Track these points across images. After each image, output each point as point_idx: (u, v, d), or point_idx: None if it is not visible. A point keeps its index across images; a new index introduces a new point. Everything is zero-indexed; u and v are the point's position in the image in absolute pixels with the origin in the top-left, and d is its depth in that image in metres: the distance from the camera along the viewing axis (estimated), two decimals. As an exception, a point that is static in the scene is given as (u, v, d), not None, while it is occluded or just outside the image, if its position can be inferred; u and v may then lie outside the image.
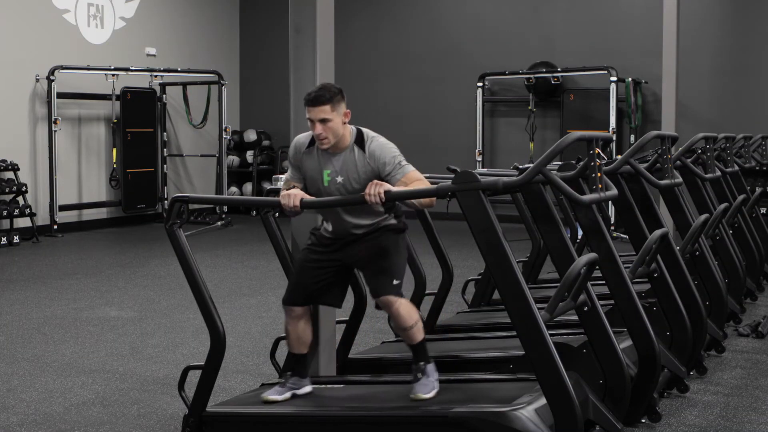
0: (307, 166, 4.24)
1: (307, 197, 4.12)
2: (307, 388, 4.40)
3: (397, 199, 3.94)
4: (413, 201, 4.04)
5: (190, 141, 14.42)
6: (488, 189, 3.76)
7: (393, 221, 4.24)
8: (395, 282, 4.17)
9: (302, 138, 4.30)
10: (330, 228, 4.28)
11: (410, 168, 4.12)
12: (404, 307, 4.19)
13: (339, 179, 4.13)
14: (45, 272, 9.45)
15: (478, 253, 3.88)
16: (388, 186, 3.89)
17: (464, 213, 3.77)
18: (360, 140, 4.15)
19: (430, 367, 4.24)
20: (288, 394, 4.33)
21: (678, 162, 6.29)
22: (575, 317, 4.28)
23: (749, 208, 8.08)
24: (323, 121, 4.06)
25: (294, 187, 4.24)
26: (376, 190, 3.85)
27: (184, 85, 13.84)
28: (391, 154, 4.10)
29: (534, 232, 6.75)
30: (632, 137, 12.57)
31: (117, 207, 13.25)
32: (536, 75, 13.22)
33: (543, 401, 3.70)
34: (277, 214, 4.65)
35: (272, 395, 4.32)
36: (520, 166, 5.44)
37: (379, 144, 4.14)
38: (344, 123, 4.13)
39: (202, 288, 4.15)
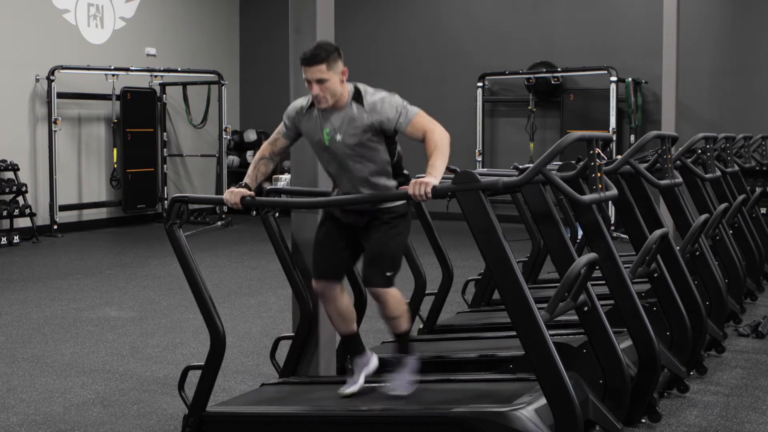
0: (307, 128, 4.21)
1: (249, 196, 4.16)
2: (374, 361, 4.38)
3: (443, 191, 3.81)
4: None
5: (190, 141, 14.42)
6: (488, 189, 3.76)
7: (402, 201, 4.16)
8: (387, 274, 4.12)
9: (299, 101, 4.25)
10: (340, 191, 4.24)
11: (414, 111, 4.03)
12: (392, 297, 4.15)
13: (338, 137, 4.08)
14: (45, 272, 9.46)
15: (478, 253, 3.88)
16: (432, 180, 3.77)
17: (464, 213, 3.76)
18: (358, 96, 4.08)
19: (411, 360, 4.22)
20: (361, 379, 4.30)
21: (678, 162, 6.29)
22: (575, 317, 4.28)
23: (749, 208, 8.08)
24: (320, 81, 4.00)
25: (278, 140, 4.29)
26: (421, 189, 3.76)
27: (184, 85, 13.84)
28: (393, 106, 4.03)
29: (534, 232, 6.76)
30: (632, 137, 12.57)
31: (117, 207, 13.25)
32: (536, 75, 13.22)
33: (543, 401, 3.70)
34: (277, 214, 4.66)
35: (348, 389, 4.27)
36: (520, 166, 5.44)
37: (379, 97, 4.07)
38: (342, 81, 4.07)
39: (202, 288, 4.15)
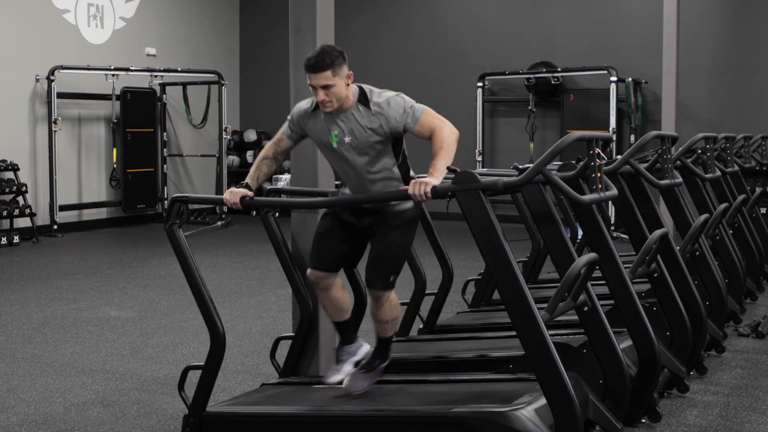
0: (313, 130, 4.20)
1: (248, 196, 4.16)
2: (365, 348, 4.41)
3: (443, 191, 3.80)
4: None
5: (190, 141, 14.42)
6: (488, 189, 3.76)
7: (410, 204, 4.14)
8: (390, 278, 4.16)
9: (304, 104, 4.23)
10: (347, 190, 4.25)
11: (421, 110, 4.01)
12: (390, 301, 4.21)
13: (347, 139, 4.08)
14: (45, 272, 9.45)
15: (478, 253, 3.88)
16: (432, 181, 3.77)
17: (464, 213, 3.76)
18: (363, 98, 4.06)
19: (381, 369, 4.29)
20: (348, 367, 4.33)
21: (678, 162, 6.29)
22: (575, 317, 4.28)
23: (749, 208, 8.08)
24: (325, 87, 3.98)
25: (283, 140, 4.28)
26: (421, 189, 3.76)
27: (184, 85, 13.84)
28: (399, 107, 4.01)
29: (534, 232, 6.76)
30: (632, 137, 12.57)
31: (117, 207, 13.25)
32: (536, 75, 13.22)
33: (543, 401, 3.70)
34: (277, 214, 4.66)
35: (334, 377, 4.32)
36: (520, 166, 5.44)
37: (385, 99, 4.04)
38: (348, 85, 4.04)
39: (202, 288, 4.15)
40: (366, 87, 4.13)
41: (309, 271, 4.34)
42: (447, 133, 3.94)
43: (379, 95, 4.08)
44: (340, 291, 4.37)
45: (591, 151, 4.03)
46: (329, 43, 4.39)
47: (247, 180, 4.26)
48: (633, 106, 12.55)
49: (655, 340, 4.47)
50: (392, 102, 4.04)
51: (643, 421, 4.55)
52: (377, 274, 4.15)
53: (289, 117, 4.29)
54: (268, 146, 4.34)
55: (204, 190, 14.39)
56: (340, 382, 4.32)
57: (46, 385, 5.40)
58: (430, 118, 4.00)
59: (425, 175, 3.86)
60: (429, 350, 5.30)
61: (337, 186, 4.62)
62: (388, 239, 4.15)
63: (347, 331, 4.44)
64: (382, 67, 14.56)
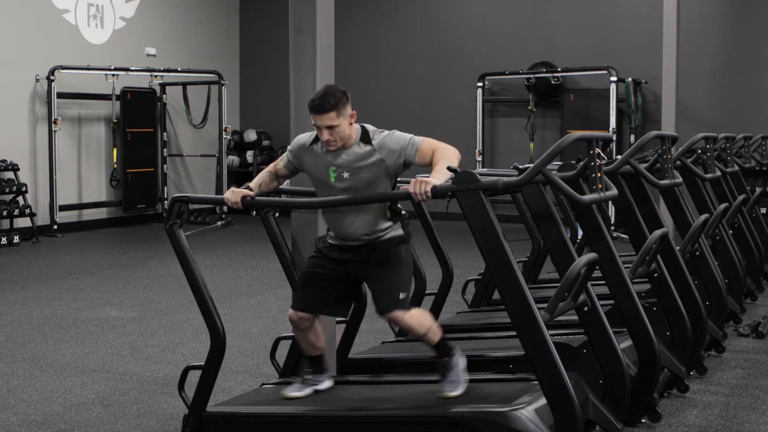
0: (312, 166, 4.22)
1: (251, 195, 4.19)
2: (327, 383, 4.40)
3: (443, 191, 3.82)
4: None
5: (190, 141, 14.42)
6: (488, 189, 3.76)
7: (399, 232, 4.18)
8: (401, 296, 4.11)
9: (304, 138, 4.26)
10: (334, 234, 4.24)
11: (419, 141, 4.06)
12: (413, 318, 4.13)
13: (346, 175, 4.10)
14: (45, 272, 9.45)
15: (478, 253, 3.88)
16: (433, 180, 3.79)
17: (464, 213, 3.76)
18: (365, 136, 4.11)
19: (455, 360, 4.16)
20: (309, 390, 4.33)
21: (678, 162, 6.30)
22: (575, 317, 4.28)
23: (749, 208, 8.08)
24: (330, 127, 4.03)
25: (280, 167, 4.31)
26: (422, 188, 3.77)
27: (184, 85, 13.84)
28: (401, 139, 4.07)
29: (534, 232, 6.76)
30: (632, 137, 12.57)
31: (117, 207, 13.26)
32: (536, 75, 13.22)
33: (543, 401, 3.70)
34: (277, 214, 4.66)
35: (292, 392, 4.31)
36: (520, 166, 5.43)
37: (385, 135, 4.10)
38: (351, 124, 4.09)
39: (202, 288, 4.15)
40: (368, 126, 4.17)
41: (291, 311, 4.32)
42: (449, 150, 4.02)
43: (380, 132, 4.13)
44: (317, 331, 4.36)
45: (591, 151, 4.04)
46: (332, 83, 4.39)
47: (250, 183, 4.31)
48: (633, 106, 12.55)
49: (655, 340, 4.47)
50: (391, 137, 4.09)
51: (643, 421, 4.55)
52: (385, 298, 4.10)
53: (288, 149, 4.32)
54: (274, 163, 4.40)
55: (204, 190, 14.40)
56: (297, 398, 4.31)
57: (46, 385, 5.40)
58: (431, 143, 4.06)
59: (427, 175, 3.86)
60: (429, 350, 5.29)
61: None
62: (385, 261, 4.13)
63: (318, 363, 4.42)
64: (382, 67, 14.56)
